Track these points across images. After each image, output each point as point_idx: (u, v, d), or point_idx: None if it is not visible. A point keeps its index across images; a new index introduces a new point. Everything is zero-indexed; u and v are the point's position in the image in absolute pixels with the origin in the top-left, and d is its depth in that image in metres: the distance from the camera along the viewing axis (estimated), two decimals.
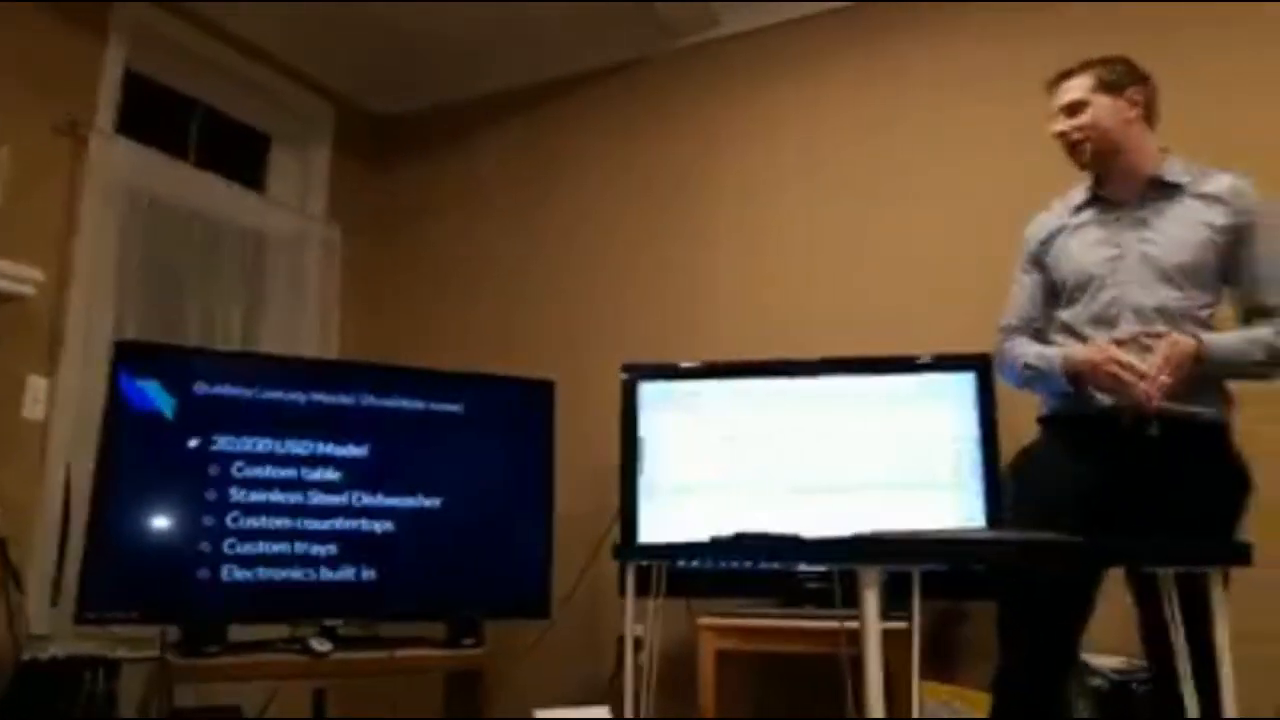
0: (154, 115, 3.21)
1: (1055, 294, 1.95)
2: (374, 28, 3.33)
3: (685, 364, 2.75)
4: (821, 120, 3.09)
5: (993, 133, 2.78)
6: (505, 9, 3.22)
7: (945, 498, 2.36)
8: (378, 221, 3.79)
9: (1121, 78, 1.90)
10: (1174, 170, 1.87)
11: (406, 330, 3.59)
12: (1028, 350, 1.93)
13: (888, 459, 2.47)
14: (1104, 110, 1.88)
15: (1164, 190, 1.86)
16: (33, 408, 2.71)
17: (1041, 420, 1.94)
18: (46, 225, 2.76)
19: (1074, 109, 1.90)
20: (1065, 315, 1.90)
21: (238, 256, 3.30)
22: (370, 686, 2.79)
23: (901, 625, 1.98)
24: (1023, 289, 2.01)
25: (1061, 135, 1.92)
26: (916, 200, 2.88)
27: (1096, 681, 2.07)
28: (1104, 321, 1.82)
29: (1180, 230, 1.82)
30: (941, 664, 2.31)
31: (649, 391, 2.71)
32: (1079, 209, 1.95)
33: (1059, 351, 1.86)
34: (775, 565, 2.39)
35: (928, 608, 2.06)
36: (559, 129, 3.54)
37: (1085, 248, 1.89)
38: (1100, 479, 1.78)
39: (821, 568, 2.29)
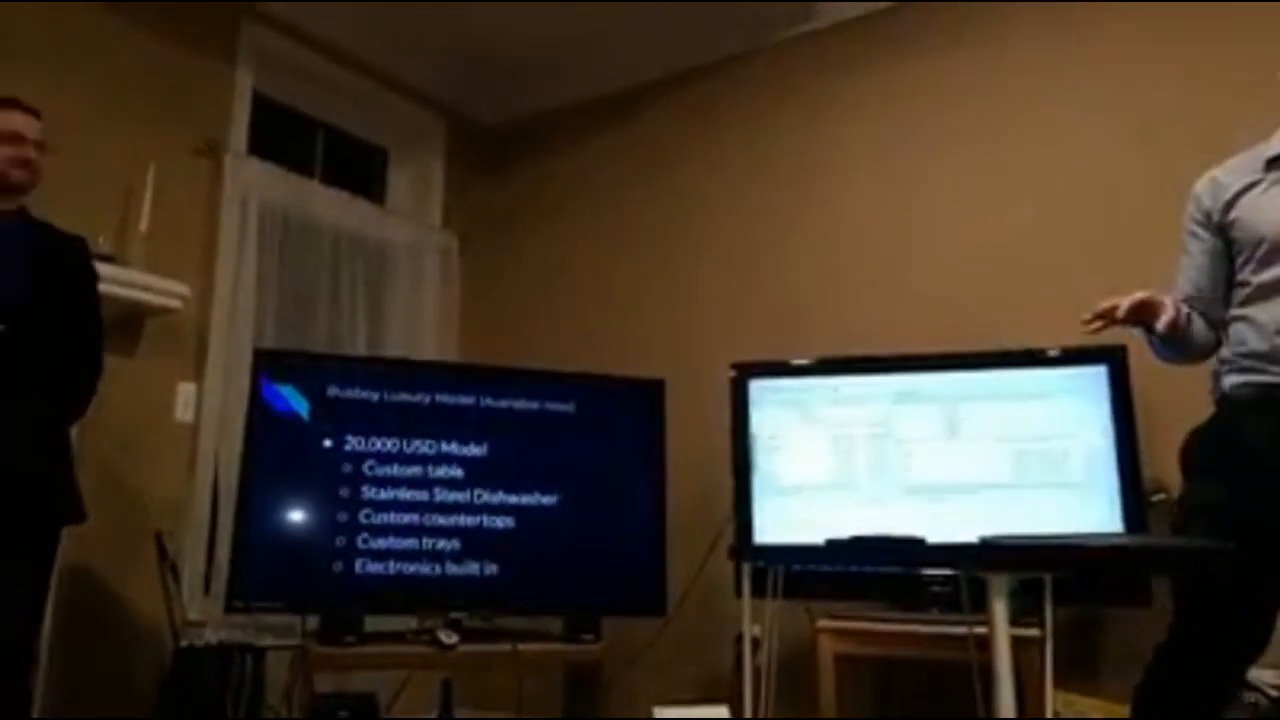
0: (282, 135, 3.41)
1: (1235, 257, 1.77)
2: (480, 41, 3.43)
3: (796, 361, 2.72)
4: (928, 107, 3.00)
5: (1110, 119, 2.65)
6: (604, 15, 3.25)
7: (1076, 499, 2.26)
8: (490, 228, 3.89)
9: None
10: None
11: (521, 332, 3.68)
12: None
13: (1012, 458, 2.38)
14: None
15: None
16: (183, 412, 2.92)
17: (1222, 399, 1.75)
18: (189, 242, 2.96)
19: None
20: (1259, 277, 1.72)
21: (361, 265, 3.46)
22: (494, 678, 2.88)
23: (1034, 632, 1.92)
24: (1192, 259, 1.84)
25: None
26: (1041, 187, 2.77)
27: (1252, 698, 1.93)
28: None
29: None
30: (1077, 673, 2.21)
31: (759, 389, 2.69)
32: (1272, 163, 1.76)
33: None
34: (896, 569, 2.34)
35: (1061, 614, 1.99)
36: (660, 129, 3.55)
37: None
38: None
39: (947, 571, 2.22)
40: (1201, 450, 1.74)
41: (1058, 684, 1.91)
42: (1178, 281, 1.86)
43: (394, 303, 3.60)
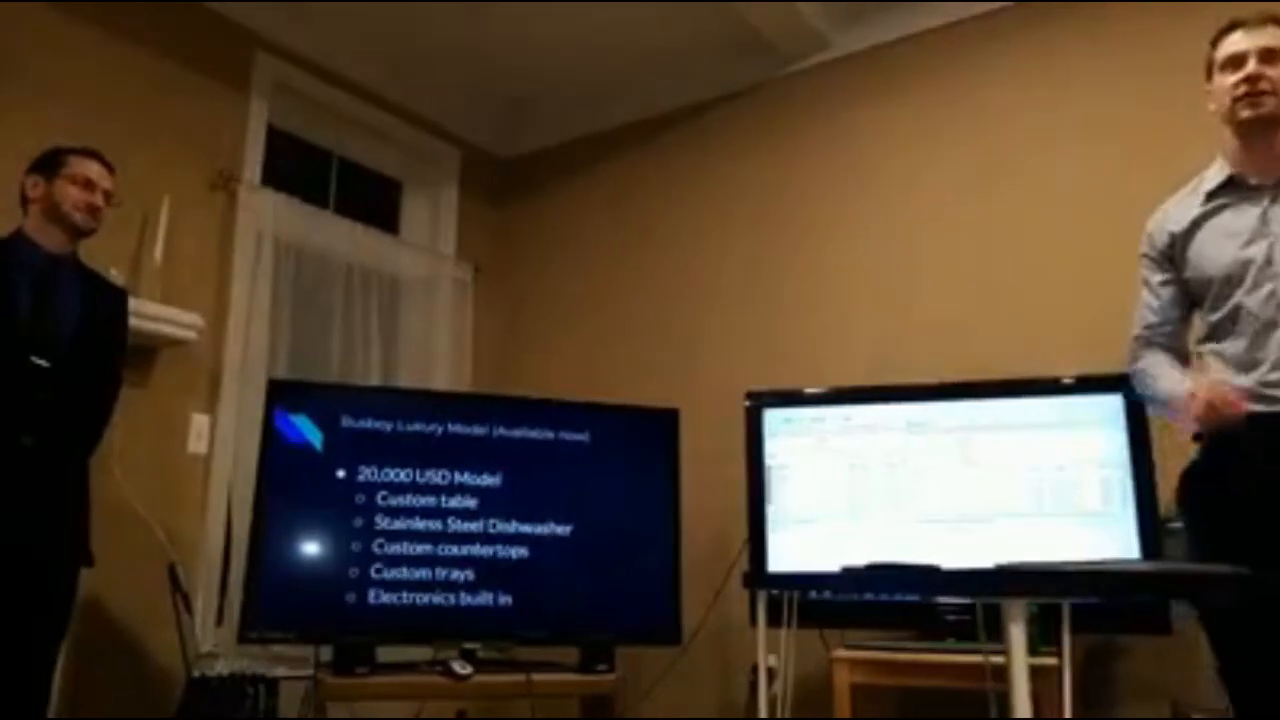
0: (296, 167, 3.44)
1: (1190, 293, 1.81)
2: (494, 74, 3.48)
3: (810, 390, 2.73)
4: (937, 136, 3.03)
5: (1129, 138, 2.66)
6: (616, 49, 3.30)
7: (1093, 528, 2.25)
8: (504, 259, 3.92)
9: None
10: None
11: (534, 362, 3.70)
12: (1159, 379, 1.80)
13: (1028, 487, 2.37)
14: None
15: None
16: (196, 443, 2.93)
17: (1199, 436, 1.77)
18: (203, 273, 2.99)
19: (1268, 56, 1.70)
20: (1214, 316, 1.75)
21: (375, 296, 3.47)
22: (508, 709, 2.86)
23: (1051, 661, 1.91)
24: (1151, 293, 1.86)
25: (1249, 80, 1.70)
26: (1048, 215, 2.78)
27: None
28: (1261, 318, 1.67)
29: None
30: (1094, 702, 2.19)
31: (774, 418, 2.70)
32: (1212, 196, 1.78)
33: (1183, 390, 1.73)
34: (912, 597, 2.33)
35: (1078, 642, 1.98)
36: (673, 160, 3.59)
37: (1230, 238, 1.72)
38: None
39: (963, 599, 2.21)
40: (1195, 490, 1.76)
41: (1076, 712, 1.90)
42: (1140, 313, 1.88)
43: (408, 333, 3.61)
